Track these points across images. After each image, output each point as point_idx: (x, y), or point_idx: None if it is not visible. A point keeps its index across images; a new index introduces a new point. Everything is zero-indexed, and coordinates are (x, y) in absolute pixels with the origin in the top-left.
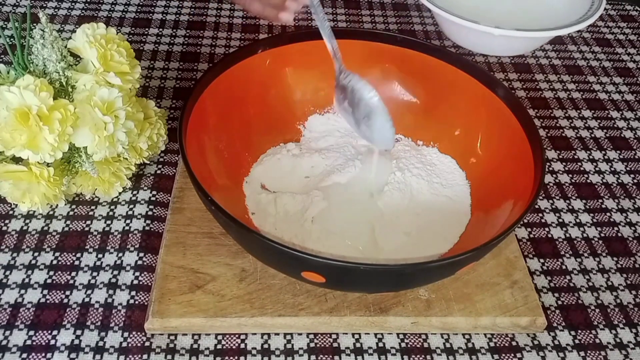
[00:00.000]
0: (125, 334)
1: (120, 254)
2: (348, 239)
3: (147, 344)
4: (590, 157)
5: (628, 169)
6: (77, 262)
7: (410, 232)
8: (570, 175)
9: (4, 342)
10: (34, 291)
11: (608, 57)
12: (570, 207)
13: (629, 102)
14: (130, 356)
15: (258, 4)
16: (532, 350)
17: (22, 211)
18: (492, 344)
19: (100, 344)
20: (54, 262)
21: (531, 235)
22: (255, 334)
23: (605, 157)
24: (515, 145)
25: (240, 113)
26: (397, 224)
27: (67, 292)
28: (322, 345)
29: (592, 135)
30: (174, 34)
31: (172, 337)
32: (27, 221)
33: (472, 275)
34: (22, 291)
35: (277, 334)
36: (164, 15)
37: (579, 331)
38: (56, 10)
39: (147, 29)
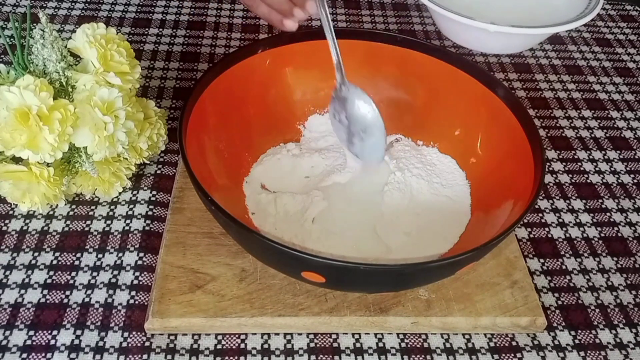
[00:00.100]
0: (125, 334)
1: (120, 254)
2: (348, 239)
3: (147, 344)
4: (590, 157)
5: (628, 169)
6: (77, 262)
7: (410, 232)
8: (570, 175)
9: (4, 342)
10: (34, 291)
11: (608, 57)
12: (570, 207)
13: (629, 102)
14: (130, 356)
15: (265, 7)
16: (532, 350)
17: (22, 211)
18: (492, 344)
19: (100, 344)
20: (54, 262)
21: (531, 235)
22: (255, 334)
23: (605, 157)
24: (515, 145)
25: (240, 113)
26: (397, 224)
27: (67, 292)
28: (322, 345)
29: (592, 135)
30: (174, 34)
31: (172, 337)
32: (27, 221)
33: (472, 275)
34: (22, 291)
35: (277, 334)
36: (164, 15)
37: (579, 331)
38: (56, 10)
39: (147, 29)
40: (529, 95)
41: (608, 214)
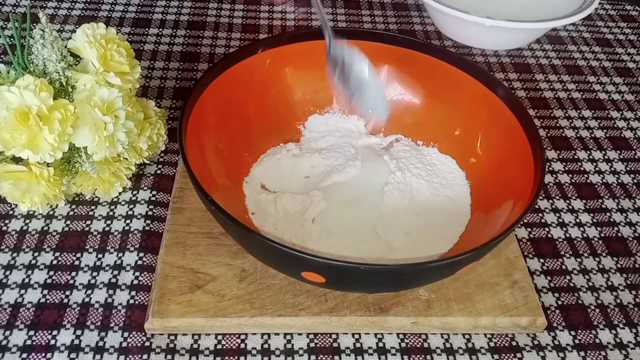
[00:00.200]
0: (125, 334)
1: (120, 254)
2: (348, 239)
3: (147, 344)
4: (590, 157)
5: (628, 169)
6: (77, 262)
7: (410, 232)
8: (570, 175)
9: (4, 342)
10: (34, 291)
11: (608, 57)
12: (570, 207)
13: (629, 102)
14: (130, 356)
15: None
16: (532, 350)
17: (22, 211)
18: (492, 344)
19: (100, 344)
20: (54, 262)
21: (531, 235)
22: (255, 334)
23: (605, 157)
24: (515, 145)
25: (240, 113)
26: (397, 224)
27: (67, 292)
28: (322, 345)
29: (592, 135)
30: (174, 34)
31: (172, 337)
32: (27, 221)
33: (472, 275)
34: (22, 291)
35: (277, 334)
36: (164, 15)
37: (579, 331)
38: (56, 10)
39: (147, 29)
40: (529, 95)
41: (608, 214)
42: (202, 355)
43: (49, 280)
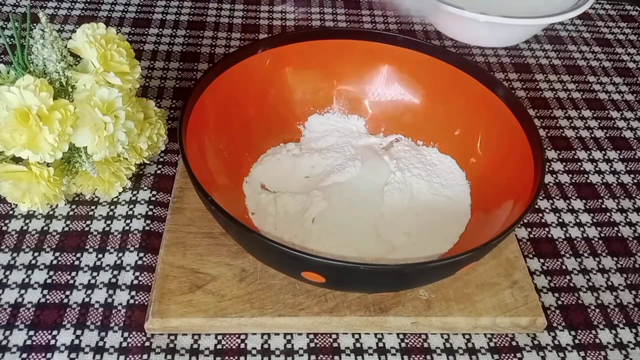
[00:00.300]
0: (125, 334)
1: (120, 254)
2: (348, 239)
3: (147, 344)
4: (590, 157)
5: (628, 169)
6: (77, 262)
7: (410, 232)
8: (570, 175)
9: (4, 342)
10: (34, 291)
11: (608, 57)
12: (570, 207)
13: (629, 102)
14: (130, 356)
15: None
16: (532, 350)
17: (22, 211)
18: (492, 344)
19: (100, 344)
20: (54, 262)
21: (531, 235)
22: (255, 334)
23: (605, 157)
24: (515, 145)
25: (240, 113)
26: (397, 224)
27: (67, 292)
28: (322, 345)
29: (592, 135)
30: (174, 34)
31: (172, 337)
32: (27, 221)
33: (472, 275)
34: (22, 291)
35: (277, 334)
36: (164, 15)
37: (579, 331)
38: (56, 10)
39: (147, 29)
40: (529, 95)
41: (608, 214)
42: (202, 355)
43: (49, 280)
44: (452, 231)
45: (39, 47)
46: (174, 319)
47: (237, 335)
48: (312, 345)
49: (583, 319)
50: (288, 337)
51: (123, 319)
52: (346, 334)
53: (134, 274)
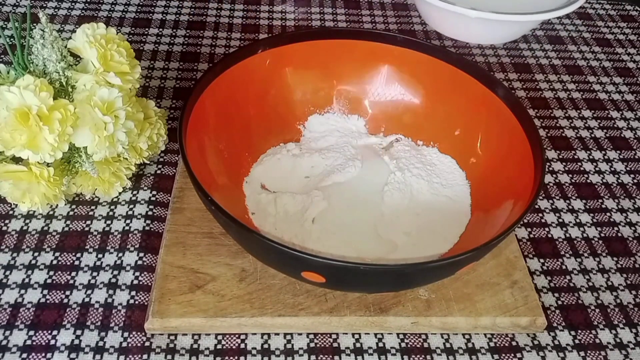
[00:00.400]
0: (125, 334)
1: (120, 254)
2: (348, 239)
3: (147, 344)
4: (590, 157)
5: (628, 169)
6: (77, 262)
7: (410, 232)
8: (570, 175)
9: (4, 342)
10: (34, 291)
11: (608, 57)
12: (570, 207)
13: (629, 102)
14: (130, 356)
15: None
16: (532, 350)
17: (22, 211)
18: (492, 344)
19: (100, 344)
20: (54, 262)
21: (531, 235)
22: (255, 334)
23: (605, 157)
24: (515, 145)
25: (240, 113)
26: (397, 224)
27: (67, 292)
28: (322, 345)
29: (592, 135)
30: (174, 34)
31: (172, 337)
32: (27, 221)
33: (472, 275)
34: (22, 291)
35: (277, 334)
36: (164, 15)
37: (579, 331)
38: (56, 10)
39: (147, 29)
40: (529, 95)
41: (608, 214)
42: (202, 355)
43: (49, 280)
44: (452, 231)
45: (39, 47)
46: (174, 319)
47: (237, 335)
48: (312, 345)
49: (583, 319)
50: (288, 337)
51: (123, 319)
52: (346, 334)
53: (134, 274)
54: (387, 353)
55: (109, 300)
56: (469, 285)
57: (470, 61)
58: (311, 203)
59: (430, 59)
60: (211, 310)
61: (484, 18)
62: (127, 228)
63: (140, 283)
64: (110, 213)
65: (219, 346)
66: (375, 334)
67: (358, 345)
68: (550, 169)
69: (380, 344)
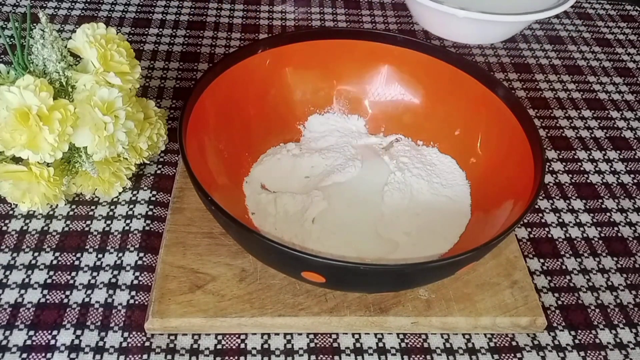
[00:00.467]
0: (125, 334)
1: (120, 254)
2: (348, 239)
3: (147, 344)
4: (590, 157)
5: (628, 169)
6: (77, 262)
7: (410, 232)
8: (570, 175)
9: (4, 342)
10: (34, 291)
11: (608, 57)
12: (570, 207)
13: (629, 102)
14: (130, 356)
15: None
16: (532, 350)
17: (22, 211)
18: (492, 344)
19: (100, 344)
20: (54, 262)
21: (531, 235)
22: (255, 334)
23: (605, 157)
24: (515, 145)
25: (240, 113)
26: (397, 224)
27: (67, 292)
28: (322, 345)
29: (592, 135)
30: (174, 34)
31: (172, 337)
32: (27, 221)
33: (472, 275)
34: (22, 291)
35: (277, 334)
36: (164, 15)
37: (579, 331)
38: (56, 10)
39: (147, 29)
40: (529, 95)
41: (608, 214)
42: (202, 355)
43: (49, 280)
44: (452, 231)
45: (39, 47)
46: (174, 319)
47: (237, 335)
48: (312, 345)
49: (583, 319)
50: (288, 337)
51: (123, 319)
52: (346, 334)
53: (134, 274)
54: (387, 353)
55: (109, 300)
56: (469, 285)
57: (470, 61)
58: (311, 203)
59: (430, 59)
60: (211, 310)
61: (473, 18)
62: (127, 228)
63: (140, 283)
64: (110, 213)
65: (219, 346)
66: (375, 334)
67: (358, 345)
68: (550, 169)
69: (380, 344)
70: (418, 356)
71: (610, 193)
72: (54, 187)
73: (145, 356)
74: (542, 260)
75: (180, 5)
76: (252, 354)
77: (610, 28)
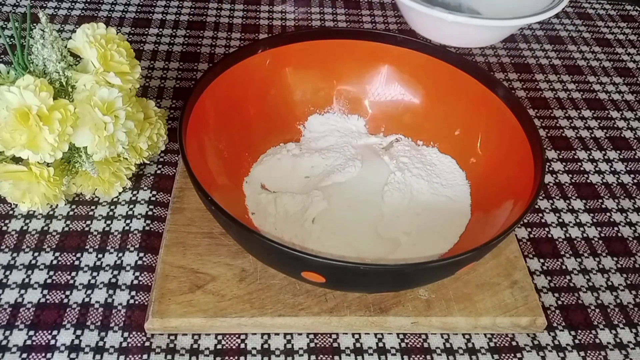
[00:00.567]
0: (125, 334)
1: (120, 254)
2: (348, 239)
3: (147, 344)
4: (590, 157)
5: (628, 169)
6: (77, 262)
7: (410, 232)
8: (570, 175)
9: (4, 342)
10: (34, 291)
11: (608, 57)
12: (570, 207)
13: (629, 102)
14: (130, 356)
15: None
16: (532, 350)
17: (22, 211)
18: (492, 344)
19: (100, 344)
20: (54, 262)
21: (531, 235)
22: (255, 334)
23: (605, 157)
24: (515, 145)
25: (240, 113)
26: (397, 224)
27: (67, 292)
28: (322, 345)
29: (592, 135)
30: (174, 34)
31: (172, 337)
32: (27, 221)
33: (472, 275)
34: (22, 291)
35: (277, 334)
36: (164, 15)
37: (579, 331)
38: (56, 10)
39: (147, 29)
40: (529, 95)
41: (608, 214)
42: (202, 355)
43: (49, 280)
44: (452, 231)
45: (39, 47)
46: (174, 319)
47: (237, 335)
48: (312, 345)
49: (583, 319)
50: (288, 337)
51: (123, 319)
52: (346, 334)
53: (134, 274)
54: (387, 353)
55: (109, 300)
56: (469, 285)
57: (470, 61)
58: (311, 203)
59: (430, 59)
60: (211, 310)
61: (462, 22)
62: (127, 228)
63: (140, 283)
64: (110, 213)
65: (219, 346)
66: (375, 334)
67: (358, 345)
68: (550, 169)
69: (380, 344)
70: (418, 356)
71: (610, 193)
72: (54, 187)
73: (145, 356)
74: (542, 260)
75: (180, 5)
76: (252, 354)
77: (610, 28)
